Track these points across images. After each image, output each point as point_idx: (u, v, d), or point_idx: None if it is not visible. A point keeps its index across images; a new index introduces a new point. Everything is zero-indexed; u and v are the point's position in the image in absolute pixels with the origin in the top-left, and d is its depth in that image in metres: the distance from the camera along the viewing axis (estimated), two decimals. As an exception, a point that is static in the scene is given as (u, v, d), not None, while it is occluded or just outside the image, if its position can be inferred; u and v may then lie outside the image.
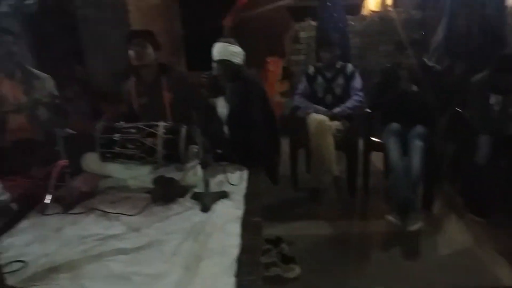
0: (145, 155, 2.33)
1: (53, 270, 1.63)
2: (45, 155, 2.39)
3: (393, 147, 3.36)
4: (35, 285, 1.55)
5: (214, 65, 3.05)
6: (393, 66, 3.67)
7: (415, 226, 3.16)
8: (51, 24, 4.39)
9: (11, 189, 2.35)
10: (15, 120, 2.68)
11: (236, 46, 3.06)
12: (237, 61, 3.01)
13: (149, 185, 2.31)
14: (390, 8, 5.95)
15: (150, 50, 2.87)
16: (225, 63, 3.00)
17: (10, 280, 1.53)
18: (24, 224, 2.09)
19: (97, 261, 1.67)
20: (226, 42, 3.07)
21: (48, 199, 2.19)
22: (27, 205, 2.25)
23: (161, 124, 2.37)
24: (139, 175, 2.39)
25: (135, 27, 4.51)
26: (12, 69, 2.72)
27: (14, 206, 2.24)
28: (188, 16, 6.11)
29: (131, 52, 2.84)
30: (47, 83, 2.86)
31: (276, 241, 2.87)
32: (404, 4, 5.88)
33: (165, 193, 2.22)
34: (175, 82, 2.96)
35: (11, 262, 1.67)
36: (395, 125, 3.49)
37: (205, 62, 3.22)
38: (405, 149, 3.35)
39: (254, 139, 2.86)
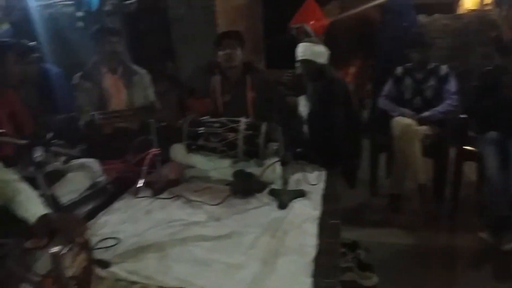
0: (226, 149, 2.41)
1: (142, 250, 1.76)
2: (139, 143, 2.59)
3: (491, 158, 3.05)
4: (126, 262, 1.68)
5: (298, 64, 3.05)
6: (494, 69, 3.32)
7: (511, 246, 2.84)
8: (146, 22, 4.76)
9: (108, 172, 2.61)
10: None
11: (320, 46, 3.02)
12: (320, 61, 2.98)
13: (229, 177, 2.39)
14: (489, 7, 5.40)
15: (239, 51, 2.93)
16: (308, 63, 2.98)
17: (104, 255, 1.70)
18: (118, 204, 2.28)
19: (182, 245, 1.77)
20: (310, 42, 3.05)
21: (140, 183, 2.37)
22: (121, 187, 2.47)
23: (243, 120, 2.43)
24: (220, 168, 2.48)
25: (221, 27, 4.68)
26: (115, 66, 2.98)
27: (110, 187, 2.47)
28: (270, 16, 6.18)
29: (221, 54, 2.91)
30: (144, 78, 3.09)
31: (352, 246, 2.78)
32: (505, 3, 5.29)
33: (244, 187, 2.28)
34: (258, 81, 3.01)
35: (106, 239, 1.84)
36: (494, 134, 3.16)
37: (284, 61, 3.22)
38: (504, 161, 3.02)
39: (334, 140, 2.80)
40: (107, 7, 4.22)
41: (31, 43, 3.01)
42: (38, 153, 1.54)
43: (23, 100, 2.22)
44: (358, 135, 3.18)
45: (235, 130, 2.38)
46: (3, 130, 1.39)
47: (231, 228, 1.91)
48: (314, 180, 2.38)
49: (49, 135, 2.08)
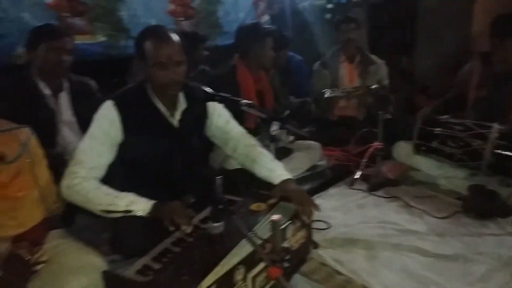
0: (466, 158, 2.03)
1: (351, 242, 1.70)
2: (363, 134, 2.52)
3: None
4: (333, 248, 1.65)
5: None
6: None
7: None
8: (391, 14, 4.55)
9: (328, 158, 2.66)
10: (343, 99, 2.92)
11: None
12: None
13: (463, 191, 2.02)
14: None
15: None
16: None
17: (314, 237, 1.71)
18: (333, 191, 2.29)
19: (394, 251, 1.61)
20: None
21: (357, 175, 2.30)
22: (338, 175, 2.47)
23: (496, 126, 1.98)
24: (453, 177, 2.12)
25: (478, 17, 4.01)
26: (352, 54, 2.97)
27: (328, 172, 2.51)
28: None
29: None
30: (380, 70, 2.96)
31: None
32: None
33: (482, 206, 1.88)
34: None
35: (317, 221, 1.86)
36: None
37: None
38: None
39: None
40: (356, -1, 4.25)
41: (285, 33, 3.33)
42: (275, 128, 1.67)
43: (269, 81, 2.48)
44: None
45: (482, 137, 1.97)
46: (252, 102, 1.55)
47: (457, 250, 1.60)
48: None
49: (286, 113, 2.25)
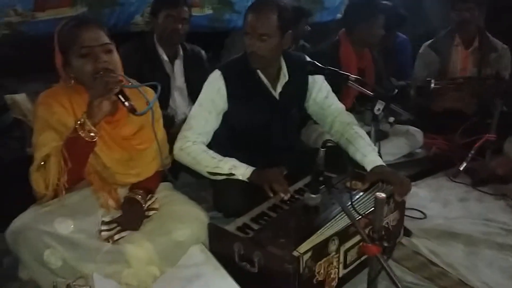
0: None
1: (449, 235, 1.61)
2: (472, 125, 2.31)
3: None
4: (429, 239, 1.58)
5: None
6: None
7: None
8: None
9: (429, 146, 2.47)
10: (448, 89, 2.61)
11: None
12: None
13: None
14: None
15: None
16: None
17: (407, 224, 1.65)
18: (430, 181, 2.17)
19: (499, 250, 1.50)
20: None
21: (461, 167, 2.14)
22: (438, 165, 2.31)
23: None
24: None
25: None
26: (471, 37, 2.60)
27: (426, 161, 2.36)
28: None
29: None
30: (504, 57, 2.56)
31: None
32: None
33: None
34: None
35: (411, 209, 1.78)
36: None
37: None
38: None
39: None
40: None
41: (401, 11, 3.05)
42: (379, 107, 1.61)
43: (373, 60, 2.37)
44: None
45: None
46: (361, 78, 1.51)
47: None
48: None
49: (394, 93, 2.12)
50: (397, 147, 2.28)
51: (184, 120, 2.17)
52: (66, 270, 1.19)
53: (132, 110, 1.22)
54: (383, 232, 1.03)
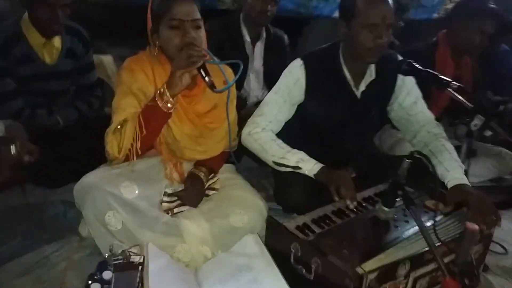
0: None
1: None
2: None
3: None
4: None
5: None
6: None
7: None
8: None
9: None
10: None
11: None
12: None
13: None
14: None
15: None
16: None
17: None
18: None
19: None
20: None
21: None
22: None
23: None
24: None
25: None
26: None
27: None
28: None
29: None
30: None
31: None
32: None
33: None
34: None
35: (492, 241, 1.57)
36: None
37: None
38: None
39: None
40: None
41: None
42: (477, 122, 1.42)
43: (473, 69, 2.11)
44: None
45: None
46: (463, 86, 1.33)
47: None
48: None
49: (501, 108, 1.87)
50: (484, 169, 2.04)
51: (255, 104, 2.14)
52: (124, 234, 1.21)
53: (212, 86, 1.20)
54: (466, 267, 0.89)
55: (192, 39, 1.23)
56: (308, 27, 3.17)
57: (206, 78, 1.19)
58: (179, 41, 1.24)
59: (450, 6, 3.58)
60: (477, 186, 1.90)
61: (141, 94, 1.30)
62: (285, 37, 2.20)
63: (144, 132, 1.23)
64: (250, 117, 1.54)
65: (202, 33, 1.29)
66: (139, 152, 1.27)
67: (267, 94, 2.20)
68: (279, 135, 1.52)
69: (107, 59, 2.56)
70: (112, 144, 1.26)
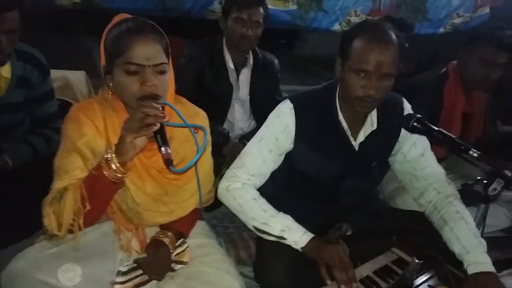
0: None
1: None
2: None
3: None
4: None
5: None
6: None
7: None
8: None
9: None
10: None
11: None
12: None
13: None
14: None
15: None
16: None
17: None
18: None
19: None
20: None
21: None
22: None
23: None
24: None
25: None
26: None
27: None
28: None
29: None
30: None
31: None
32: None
33: None
34: None
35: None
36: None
37: None
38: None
39: None
40: None
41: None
42: (496, 187, 1.19)
43: (485, 104, 1.88)
44: None
45: None
46: (483, 154, 1.09)
47: None
48: None
49: None
50: (496, 218, 1.81)
51: (241, 137, 1.90)
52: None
53: (168, 162, 0.94)
54: None
55: (152, 88, 0.99)
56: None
57: (162, 149, 0.93)
58: (136, 90, 0.99)
59: (457, 20, 3.37)
60: (484, 237, 1.69)
61: (89, 151, 1.05)
62: (276, 61, 1.95)
63: (88, 206, 0.98)
64: (232, 155, 1.33)
65: (167, 79, 1.04)
66: (82, 228, 1.02)
67: (254, 125, 1.99)
68: (264, 184, 1.30)
69: (77, 77, 2.26)
70: (50, 219, 1.01)
